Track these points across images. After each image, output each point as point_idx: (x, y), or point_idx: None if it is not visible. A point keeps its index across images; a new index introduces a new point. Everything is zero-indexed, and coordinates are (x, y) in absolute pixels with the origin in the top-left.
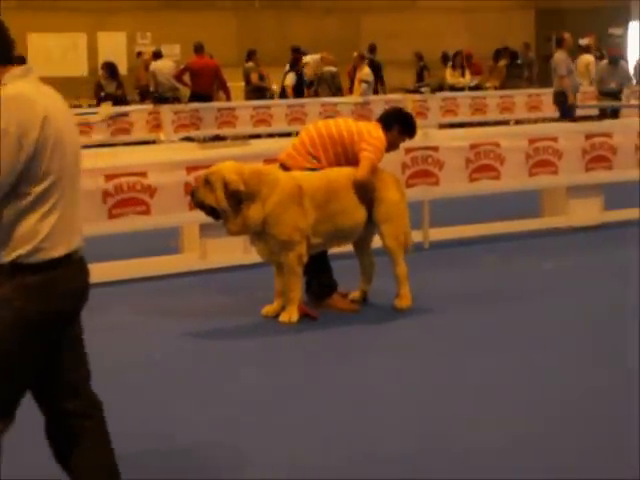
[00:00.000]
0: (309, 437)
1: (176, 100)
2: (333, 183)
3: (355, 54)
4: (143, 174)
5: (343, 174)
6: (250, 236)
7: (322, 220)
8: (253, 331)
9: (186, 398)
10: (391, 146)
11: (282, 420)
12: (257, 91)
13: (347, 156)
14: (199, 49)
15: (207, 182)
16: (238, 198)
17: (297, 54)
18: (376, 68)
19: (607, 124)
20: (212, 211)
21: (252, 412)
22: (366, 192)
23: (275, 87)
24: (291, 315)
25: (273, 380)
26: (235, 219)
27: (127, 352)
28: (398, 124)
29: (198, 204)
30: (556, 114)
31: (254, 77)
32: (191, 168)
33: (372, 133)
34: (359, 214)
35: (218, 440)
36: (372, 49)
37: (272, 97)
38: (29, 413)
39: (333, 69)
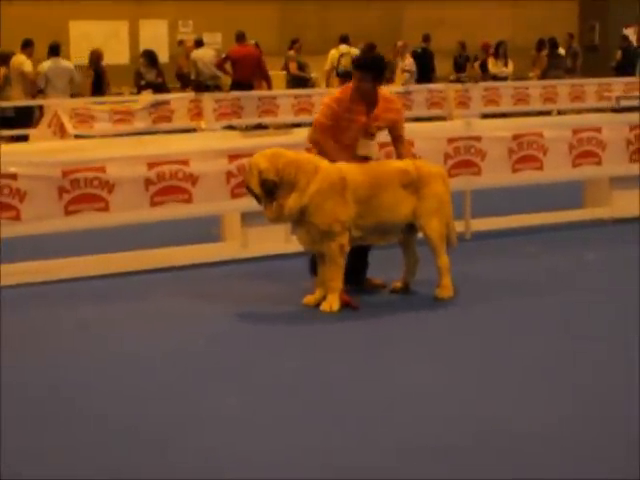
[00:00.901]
0: (348, 426)
1: (217, 88)
2: (378, 178)
3: (399, 43)
4: (185, 162)
5: (389, 168)
6: (291, 224)
7: (364, 214)
8: (294, 320)
9: (229, 383)
10: (360, 94)
11: (319, 409)
12: (296, 80)
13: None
14: (241, 37)
15: (250, 167)
16: (271, 186)
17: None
18: (429, 58)
19: None
20: (255, 195)
21: (291, 399)
22: (412, 187)
23: (314, 75)
24: (332, 304)
25: (313, 369)
26: (270, 206)
27: (170, 338)
28: (354, 70)
29: (247, 188)
30: (599, 104)
31: (292, 67)
32: (233, 156)
33: None
34: (402, 210)
35: (259, 424)
36: (426, 38)
37: (313, 86)
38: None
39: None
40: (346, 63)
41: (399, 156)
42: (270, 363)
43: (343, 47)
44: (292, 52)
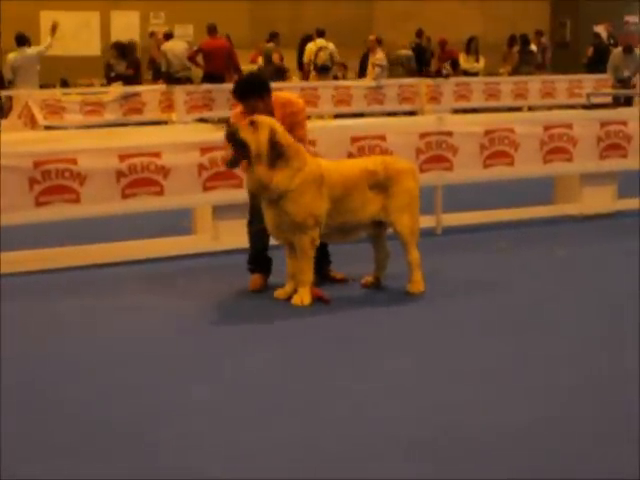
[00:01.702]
0: (318, 421)
1: (188, 81)
2: (349, 178)
3: (370, 38)
4: (157, 154)
5: (358, 169)
6: (264, 202)
7: (333, 213)
8: (265, 314)
9: (199, 377)
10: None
11: (289, 403)
12: (278, 71)
13: None
14: (212, 30)
15: (253, 123)
16: (278, 152)
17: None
18: (422, 52)
19: (622, 112)
20: (243, 151)
21: (261, 393)
22: (380, 187)
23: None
24: (303, 298)
25: (284, 363)
26: (265, 170)
27: (140, 332)
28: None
29: (233, 138)
30: (570, 101)
31: (276, 57)
32: (205, 149)
33: None
34: (368, 211)
35: (229, 417)
36: (419, 34)
37: (290, 78)
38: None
39: (409, 53)
40: (325, 57)
41: None
42: (241, 357)
43: (320, 41)
44: (272, 44)
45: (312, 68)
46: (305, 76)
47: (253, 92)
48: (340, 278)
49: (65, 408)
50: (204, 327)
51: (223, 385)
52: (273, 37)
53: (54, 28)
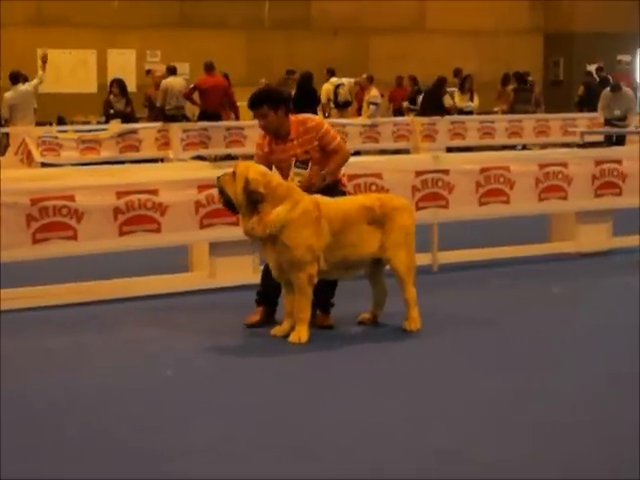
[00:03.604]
0: (311, 458)
1: (185, 118)
2: (347, 213)
3: (364, 76)
4: (154, 192)
5: (355, 205)
6: (261, 244)
7: (333, 247)
8: (262, 351)
9: (196, 413)
10: (268, 131)
11: (284, 440)
12: None
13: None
14: (209, 68)
15: (234, 174)
16: (257, 198)
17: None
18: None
19: (617, 150)
20: (228, 202)
21: (257, 430)
22: (377, 223)
23: None
24: (301, 336)
25: (280, 400)
26: (249, 217)
27: (138, 369)
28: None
29: (220, 192)
30: (564, 139)
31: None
32: (203, 187)
33: None
34: (368, 247)
35: (223, 454)
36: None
37: None
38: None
39: (452, 88)
40: (345, 93)
41: (326, 169)
42: (237, 394)
43: (334, 79)
44: (291, 80)
45: (333, 106)
46: (325, 114)
47: (264, 101)
48: (327, 324)
49: (65, 446)
50: (201, 365)
51: (219, 422)
52: (291, 73)
53: (44, 59)
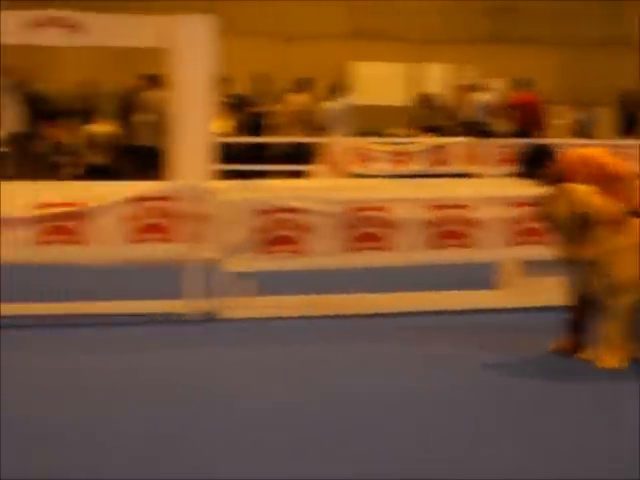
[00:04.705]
0: None
1: (491, 134)
2: None
3: None
4: (466, 207)
5: None
6: (579, 267)
7: None
8: (568, 374)
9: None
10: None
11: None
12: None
13: None
14: (521, 84)
15: (559, 194)
16: (583, 220)
17: None
18: None
19: None
20: (551, 222)
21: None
22: None
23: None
24: (609, 361)
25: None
26: (574, 239)
27: (442, 383)
28: None
29: (542, 210)
30: None
31: None
32: (515, 204)
33: None
34: None
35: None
36: None
37: None
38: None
39: None
40: None
41: None
42: (541, 419)
43: None
44: None
45: None
46: None
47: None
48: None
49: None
50: (490, 383)
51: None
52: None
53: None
